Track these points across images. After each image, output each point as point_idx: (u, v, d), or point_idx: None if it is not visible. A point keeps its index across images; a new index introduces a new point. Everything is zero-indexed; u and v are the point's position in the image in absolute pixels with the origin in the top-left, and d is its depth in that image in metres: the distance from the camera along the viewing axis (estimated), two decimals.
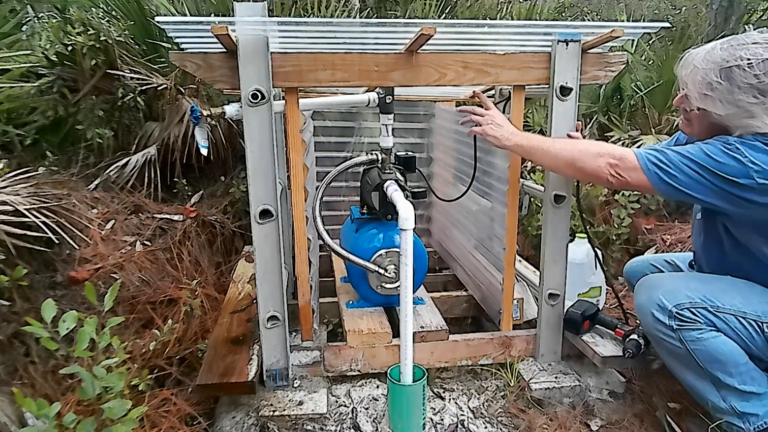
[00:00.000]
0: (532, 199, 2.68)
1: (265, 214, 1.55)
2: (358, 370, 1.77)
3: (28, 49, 3.05)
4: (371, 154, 1.90)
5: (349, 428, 1.57)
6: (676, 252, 2.68)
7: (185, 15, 3.07)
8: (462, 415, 1.64)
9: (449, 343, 1.82)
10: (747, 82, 1.25)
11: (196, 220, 2.65)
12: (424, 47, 1.54)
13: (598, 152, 1.40)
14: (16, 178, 1.96)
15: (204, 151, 1.85)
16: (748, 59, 1.25)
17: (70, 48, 2.71)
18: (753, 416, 1.40)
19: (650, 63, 3.80)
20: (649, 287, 1.45)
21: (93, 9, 3.22)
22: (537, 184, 2.31)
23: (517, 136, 1.57)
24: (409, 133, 2.72)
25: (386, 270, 1.85)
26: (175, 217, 2.57)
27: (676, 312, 1.36)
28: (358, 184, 2.05)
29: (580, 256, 2.40)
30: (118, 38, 2.78)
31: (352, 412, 1.62)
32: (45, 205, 1.87)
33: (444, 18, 4.25)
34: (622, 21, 4.00)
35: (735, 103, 1.28)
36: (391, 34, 1.56)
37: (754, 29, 1.37)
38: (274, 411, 1.57)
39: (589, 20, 5.67)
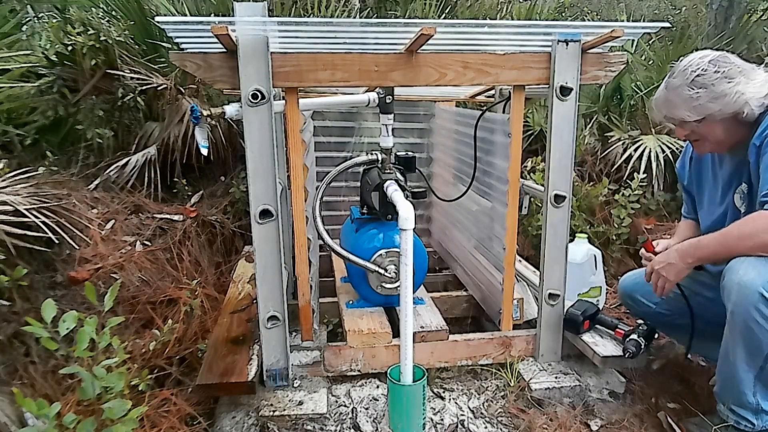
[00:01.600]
0: (532, 199, 2.68)
1: (265, 214, 1.55)
2: (358, 370, 1.77)
3: (28, 49, 3.05)
4: (371, 154, 1.89)
5: (349, 428, 1.57)
6: None
7: (185, 15, 3.07)
8: (462, 415, 1.64)
9: (449, 343, 1.82)
10: (714, 78, 1.43)
11: (196, 220, 2.65)
12: (424, 47, 1.54)
13: None
14: (16, 178, 1.96)
15: (204, 151, 1.85)
16: (698, 67, 1.45)
17: (70, 48, 2.71)
18: (767, 415, 1.42)
19: (650, 63, 3.80)
20: (758, 266, 1.35)
21: (93, 9, 3.21)
22: (537, 184, 2.31)
23: (688, 256, 1.49)
24: (409, 133, 2.72)
25: (386, 270, 1.86)
26: (175, 217, 2.57)
27: None
28: (358, 184, 2.05)
29: (580, 256, 2.40)
30: (118, 38, 2.78)
31: (352, 412, 1.62)
32: (45, 205, 1.86)
33: (444, 18, 4.25)
34: (622, 21, 4.00)
35: (722, 94, 1.43)
36: (391, 34, 1.57)
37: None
38: (274, 411, 1.57)
39: (589, 20, 5.67)
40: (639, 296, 1.84)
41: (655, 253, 1.64)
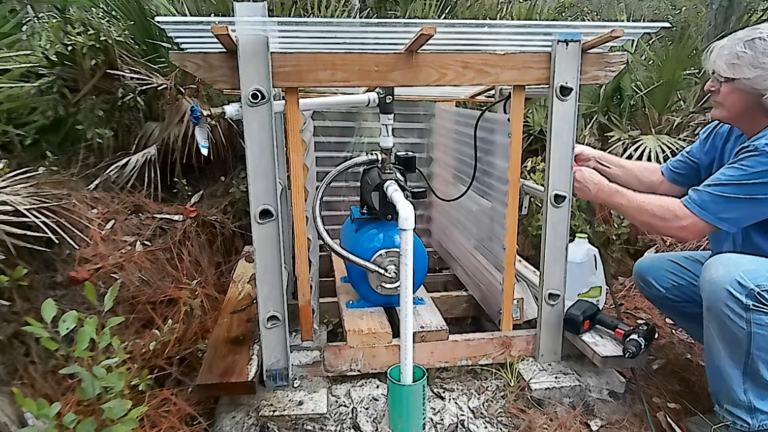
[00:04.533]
0: (532, 199, 2.68)
1: (265, 214, 1.55)
2: (358, 370, 1.77)
3: (28, 49, 3.04)
4: (371, 154, 1.89)
5: (349, 428, 1.57)
6: (677, 251, 2.68)
7: (185, 15, 3.07)
8: (462, 415, 1.64)
9: (449, 343, 1.82)
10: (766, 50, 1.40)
11: (196, 220, 2.65)
12: (424, 47, 1.54)
13: (663, 216, 1.52)
14: (16, 178, 1.96)
15: (204, 151, 1.85)
16: (766, 31, 1.41)
17: (70, 48, 2.71)
18: (763, 414, 1.43)
19: (650, 63, 3.80)
20: (728, 264, 1.42)
21: (93, 9, 3.22)
22: (537, 184, 2.31)
23: (601, 193, 1.68)
24: (409, 133, 2.72)
25: (386, 270, 1.85)
26: (175, 217, 2.57)
27: (758, 292, 1.34)
28: (358, 184, 2.05)
29: (580, 256, 2.40)
30: (118, 38, 2.78)
31: (352, 412, 1.62)
32: (45, 205, 1.87)
33: (444, 18, 4.25)
34: (622, 21, 3.99)
35: (761, 66, 1.40)
36: (391, 34, 1.57)
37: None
38: (274, 411, 1.57)
39: (589, 20, 5.67)
40: (651, 279, 1.87)
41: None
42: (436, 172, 2.72)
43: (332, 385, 1.74)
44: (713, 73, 1.52)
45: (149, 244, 2.32)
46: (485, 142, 1.99)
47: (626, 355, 1.61)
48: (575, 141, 1.71)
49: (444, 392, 1.74)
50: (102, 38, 2.71)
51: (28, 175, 2.05)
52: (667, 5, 7.77)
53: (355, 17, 3.75)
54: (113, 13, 3.12)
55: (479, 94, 2.50)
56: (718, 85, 1.51)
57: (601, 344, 1.73)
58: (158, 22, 1.47)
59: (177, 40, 1.66)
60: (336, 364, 1.76)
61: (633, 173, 1.94)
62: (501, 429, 1.59)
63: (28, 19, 3.48)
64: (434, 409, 1.65)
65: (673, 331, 2.26)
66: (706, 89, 1.61)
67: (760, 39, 1.41)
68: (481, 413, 1.65)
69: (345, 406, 1.65)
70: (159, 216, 2.51)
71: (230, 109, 1.78)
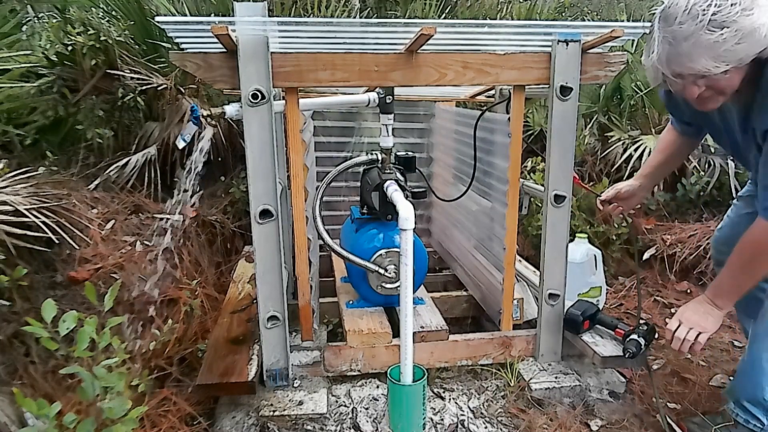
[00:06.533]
0: (532, 199, 2.68)
1: (265, 214, 1.55)
2: (358, 370, 1.77)
3: (28, 49, 3.05)
4: (371, 154, 1.90)
5: (349, 428, 1.57)
6: (675, 252, 2.69)
7: (185, 15, 3.07)
8: (462, 415, 1.64)
9: (449, 343, 1.82)
10: (734, 13, 1.12)
11: (196, 220, 2.65)
12: (424, 47, 1.54)
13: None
14: (16, 178, 1.96)
15: (180, 145, 1.81)
16: (708, 3, 1.14)
17: (70, 48, 2.71)
18: None
19: None
20: None
21: (93, 9, 3.21)
22: (537, 184, 2.31)
23: (718, 302, 1.39)
24: (409, 133, 2.72)
25: (386, 270, 1.86)
26: (175, 218, 2.56)
27: None
28: (358, 184, 2.05)
29: (580, 256, 2.40)
30: (118, 38, 2.78)
31: (352, 412, 1.62)
32: (45, 205, 1.86)
33: (444, 18, 4.25)
34: (622, 21, 4.00)
35: (749, 32, 1.13)
36: (391, 34, 1.57)
37: None
38: (274, 411, 1.57)
39: (589, 20, 5.66)
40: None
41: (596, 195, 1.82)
42: (436, 172, 2.72)
43: (332, 385, 1.74)
44: (694, 78, 1.21)
45: (149, 244, 2.32)
46: (485, 142, 1.99)
47: (626, 355, 1.61)
48: (575, 141, 1.71)
49: (444, 392, 1.74)
50: (102, 38, 2.71)
51: (28, 175, 2.05)
52: None
53: (355, 17, 3.74)
54: (113, 13, 3.11)
55: (479, 94, 2.50)
56: (713, 81, 1.21)
57: (601, 344, 1.73)
58: (158, 22, 1.47)
59: (177, 40, 1.66)
60: (336, 364, 1.76)
61: (666, 162, 1.76)
62: (501, 429, 1.59)
63: (28, 19, 3.47)
64: (434, 409, 1.65)
65: None
66: (690, 96, 1.26)
67: (714, 14, 1.13)
68: (481, 413, 1.65)
69: (345, 406, 1.65)
70: (159, 216, 2.50)
71: (230, 109, 1.78)
